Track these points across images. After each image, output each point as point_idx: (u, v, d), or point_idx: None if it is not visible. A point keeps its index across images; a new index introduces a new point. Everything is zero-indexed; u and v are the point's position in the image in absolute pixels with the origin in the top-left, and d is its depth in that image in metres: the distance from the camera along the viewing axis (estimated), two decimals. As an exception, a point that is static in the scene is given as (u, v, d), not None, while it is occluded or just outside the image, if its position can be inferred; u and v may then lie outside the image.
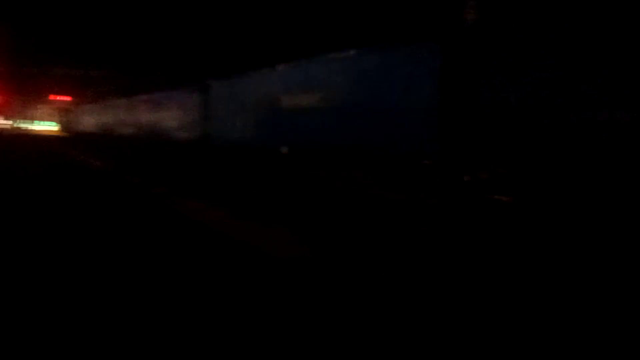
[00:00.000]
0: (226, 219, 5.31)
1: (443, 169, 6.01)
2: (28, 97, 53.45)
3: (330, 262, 3.72)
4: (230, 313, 2.71)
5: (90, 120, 30.95)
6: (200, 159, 12.86)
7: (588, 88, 4.72)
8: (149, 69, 24.32)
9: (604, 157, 4.62)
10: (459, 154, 5.87)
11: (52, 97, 45.19)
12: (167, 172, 10.36)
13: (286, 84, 9.62)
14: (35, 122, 76.08)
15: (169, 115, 15.94)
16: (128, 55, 26.62)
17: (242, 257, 3.89)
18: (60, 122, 49.48)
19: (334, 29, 11.61)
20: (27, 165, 12.04)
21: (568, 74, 4.92)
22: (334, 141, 8.01)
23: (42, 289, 3.00)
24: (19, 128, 67.39)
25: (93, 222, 5.08)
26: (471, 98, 5.68)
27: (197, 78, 15.48)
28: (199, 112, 13.45)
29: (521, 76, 5.31)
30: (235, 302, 2.89)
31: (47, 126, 64.40)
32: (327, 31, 11.73)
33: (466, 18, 6.61)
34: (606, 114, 4.62)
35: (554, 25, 5.18)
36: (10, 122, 70.37)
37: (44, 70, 34.15)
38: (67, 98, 46.75)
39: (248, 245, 4.19)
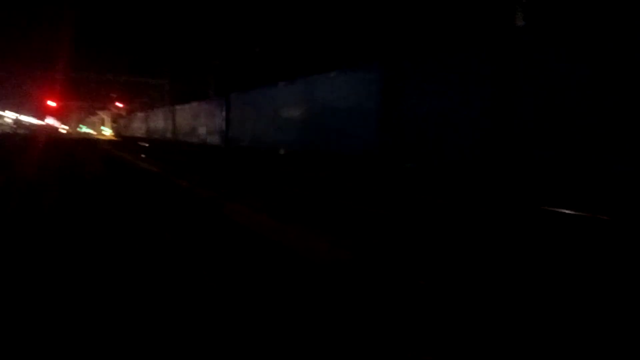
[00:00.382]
0: (268, 222, 5.51)
1: (383, 163, 7.37)
2: (83, 104, 57.01)
3: (373, 268, 3.81)
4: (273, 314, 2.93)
5: (137, 126, 33.75)
6: (225, 160, 14.49)
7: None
8: (189, 80, 26.54)
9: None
10: (390, 150, 7.33)
11: (117, 104, 48.23)
12: (203, 173, 11.15)
13: (282, 98, 11.37)
14: (90, 127, 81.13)
15: (202, 122, 17.93)
16: (174, 66, 29.00)
17: (287, 260, 4.15)
18: (112, 127, 53.22)
19: (320, 56, 13.30)
20: (82, 165, 13.85)
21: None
22: (316, 143, 9.62)
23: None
24: (78, 132, 72.26)
25: (154, 219, 5.89)
26: (397, 110, 7.22)
27: (223, 90, 17.53)
28: (224, 120, 15.35)
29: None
30: (281, 305, 3.08)
31: (101, 131, 68.93)
32: (314, 57, 13.43)
33: (515, 23, 7.66)
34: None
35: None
36: (66, 127, 75.57)
37: (98, 78, 36.96)
38: (120, 105, 49.75)
39: (293, 251, 4.43)
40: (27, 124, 76.77)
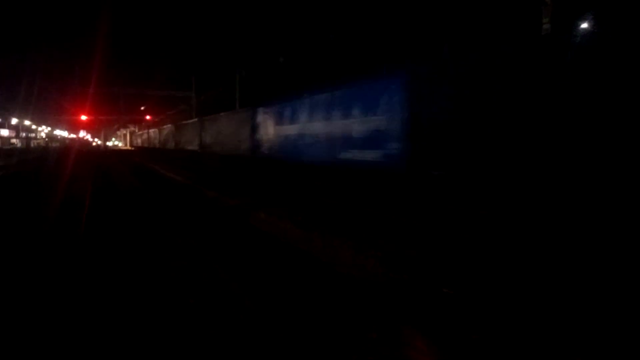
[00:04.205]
0: (293, 230, 5.46)
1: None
2: (114, 117, 58.42)
3: (398, 276, 3.69)
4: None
5: (165, 137, 34.46)
6: (251, 170, 14.69)
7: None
8: (216, 91, 27.00)
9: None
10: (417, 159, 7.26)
11: (146, 117, 49.34)
12: (230, 183, 11.23)
13: (306, 110, 11.64)
14: (121, 140, 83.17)
15: (230, 133, 18.43)
16: (201, 78, 29.67)
17: (312, 268, 4.22)
18: (141, 140, 54.42)
19: (343, 65, 13.53)
20: (115, 179, 14.28)
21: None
22: (341, 153, 9.63)
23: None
24: (109, 145, 74.28)
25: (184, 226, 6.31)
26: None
27: (249, 101, 17.87)
28: (250, 131, 15.72)
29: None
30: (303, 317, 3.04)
31: (131, 143, 70.60)
32: (338, 66, 13.63)
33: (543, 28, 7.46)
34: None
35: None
36: (96, 140, 77.89)
37: (128, 92, 37.96)
38: (149, 118, 50.73)
39: (318, 259, 4.47)
40: (60, 137, 79.04)
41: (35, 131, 72.31)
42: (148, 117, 48.93)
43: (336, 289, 3.63)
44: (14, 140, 63.11)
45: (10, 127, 63.60)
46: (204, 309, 3.16)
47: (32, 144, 64.49)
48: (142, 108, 45.92)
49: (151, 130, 46.11)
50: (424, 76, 7.50)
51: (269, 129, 14.11)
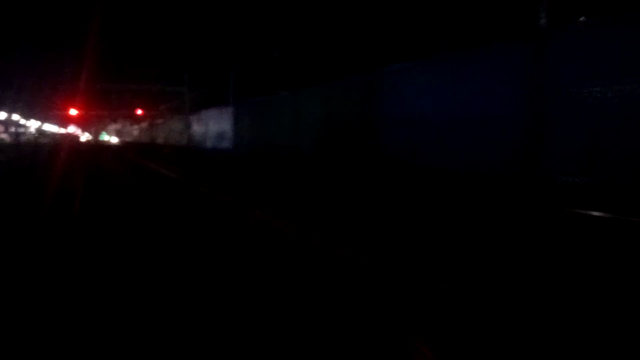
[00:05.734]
0: (289, 229, 5.55)
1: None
2: (105, 112, 57.93)
3: (393, 272, 3.78)
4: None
5: (154, 133, 34.71)
6: (184, 153, 20.30)
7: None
8: (209, 86, 26.94)
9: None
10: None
11: (137, 112, 48.95)
12: (222, 178, 11.52)
13: (200, 119, 19.31)
14: (112, 134, 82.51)
15: (178, 131, 24.40)
16: (193, 73, 29.57)
17: (309, 265, 4.32)
18: (130, 134, 54.20)
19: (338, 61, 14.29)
20: (109, 175, 14.26)
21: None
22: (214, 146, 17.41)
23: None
24: (100, 140, 73.73)
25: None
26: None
27: (241, 96, 18.03)
28: (186, 131, 21.82)
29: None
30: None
31: (120, 138, 70.18)
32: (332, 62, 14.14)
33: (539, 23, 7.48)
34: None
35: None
36: (87, 135, 77.25)
37: (120, 87, 37.67)
38: (141, 113, 50.37)
39: (315, 256, 4.55)
40: (50, 132, 78.14)
41: (24, 126, 71.45)
42: (140, 112, 48.59)
43: (331, 284, 3.73)
44: (3, 135, 62.23)
45: (-2, 121, 62.76)
46: (206, 298, 3.21)
47: (22, 139, 63.70)
48: (134, 103, 45.57)
49: (134, 127, 46.77)
50: (238, 108, 14.70)
51: (194, 129, 20.98)
